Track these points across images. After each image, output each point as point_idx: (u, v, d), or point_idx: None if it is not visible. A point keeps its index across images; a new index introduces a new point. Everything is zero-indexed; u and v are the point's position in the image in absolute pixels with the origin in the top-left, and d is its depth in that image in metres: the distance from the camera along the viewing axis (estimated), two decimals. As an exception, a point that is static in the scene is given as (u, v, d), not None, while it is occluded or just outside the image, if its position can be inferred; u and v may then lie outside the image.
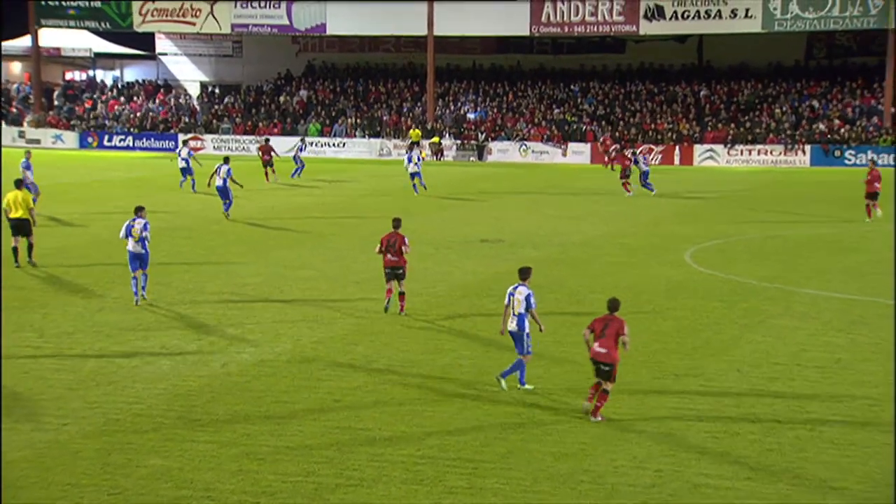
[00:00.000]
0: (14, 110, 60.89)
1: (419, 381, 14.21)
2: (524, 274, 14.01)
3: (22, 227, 21.80)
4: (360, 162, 51.89)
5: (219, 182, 29.84)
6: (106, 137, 57.70)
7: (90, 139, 58.01)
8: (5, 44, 62.91)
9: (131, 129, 58.42)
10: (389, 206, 33.49)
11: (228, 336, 16.53)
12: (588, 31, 54.46)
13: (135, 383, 13.92)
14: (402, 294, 17.88)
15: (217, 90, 63.22)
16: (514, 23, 54.47)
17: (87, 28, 61.36)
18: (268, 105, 60.02)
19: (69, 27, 60.76)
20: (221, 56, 64.37)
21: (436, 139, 52.99)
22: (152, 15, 58.65)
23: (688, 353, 15.63)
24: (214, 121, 58.61)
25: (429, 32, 55.20)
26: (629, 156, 38.56)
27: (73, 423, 12.29)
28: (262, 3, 57.05)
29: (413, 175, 36.82)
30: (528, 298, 13.70)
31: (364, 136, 56.00)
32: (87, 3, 59.08)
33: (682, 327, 17.16)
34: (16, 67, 66.03)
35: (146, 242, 18.60)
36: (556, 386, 13.92)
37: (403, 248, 18.04)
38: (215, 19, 57.71)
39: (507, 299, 13.85)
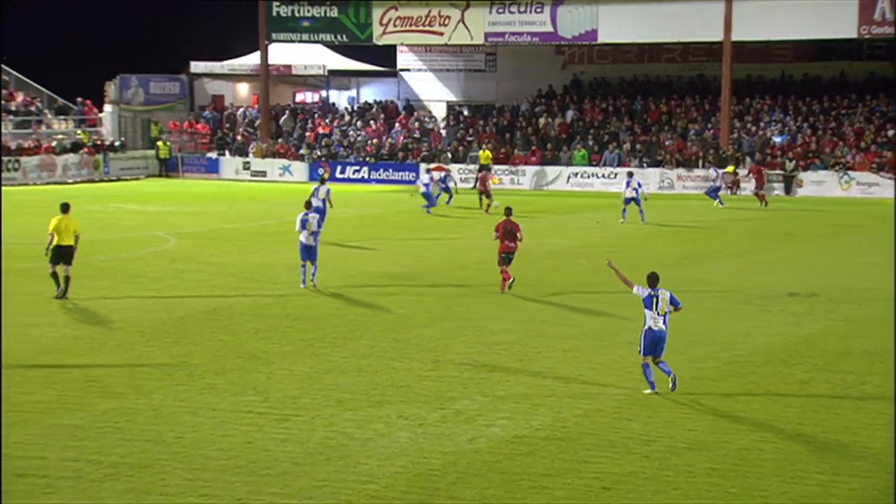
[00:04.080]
0: (240, 138, 64.86)
1: (709, 468, 13.90)
2: (656, 279, 17.28)
3: (65, 255, 24.38)
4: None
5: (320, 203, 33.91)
6: (338, 168, 60.21)
7: (321, 170, 60.60)
8: (232, 62, 67.71)
9: (367, 159, 60.79)
10: (666, 248, 33.11)
11: (476, 405, 16.82)
12: (936, 29, 51.82)
13: (368, 459, 14.41)
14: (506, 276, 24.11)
15: (466, 111, 64.94)
16: (837, 23, 52.42)
17: (322, 42, 64.64)
18: (524, 128, 61.03)
19: (301, 41, 64.18)
20: (472, 71, 66.00)
21: (730, 168, 51.99)
22: (394, 24, 60.81)
23: None
24: (461, 147, 60.09)
25: (725, 38, 54.28)
26: None
27: None
28: (522, 8, 57.97)
29: (630, 200, 38.95)
30: (672, 298, 17.22)
31: (641, 165, 55.75)
32: (322, 13, 62.01)
33: None
34: (242, 89, 70.59)
35: (317, 236, 25.23)
36: None
37: (518, 234, 25.21)
38: (466, 28, 59.18)
39: (643, 299, 17.16)
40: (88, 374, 18.44)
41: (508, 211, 26.20)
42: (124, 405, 16.59)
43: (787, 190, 52.66)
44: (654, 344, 17.17)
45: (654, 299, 17.09)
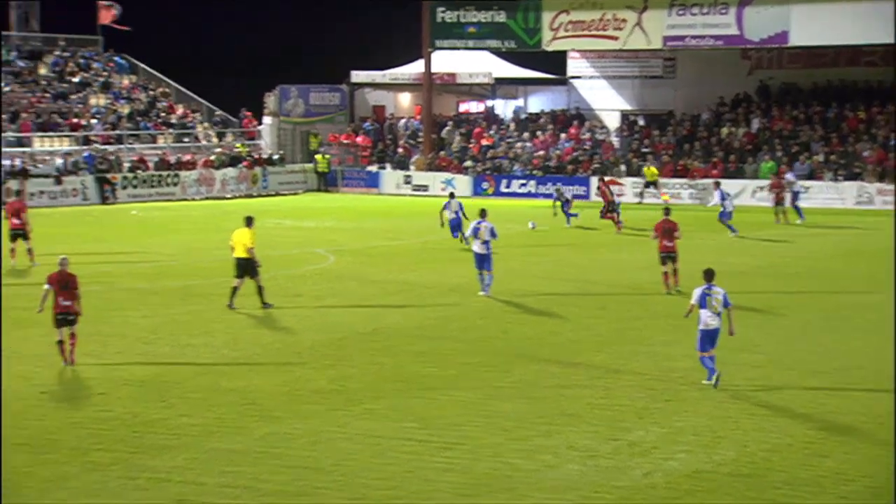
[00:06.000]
0: (401, 150, 65.65)
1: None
2: (712, 275, 19.16)
3: (247, 268, 26.05)
4: (829, 212, 50.33)
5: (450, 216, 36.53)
6: (503, 182, 60.37)
7: (485, 184, 60.97)
8: (394, 71, 68.67)
9: (533, 172, 60.77)
10: (865, 272, 32.17)
11: (653, 436, 16.66)
12: None
13: (536, 492, 14.39)
14: (675, 271, 25.64)
15: (641, 120, 64.40)
16: None
17: (488, 48, 65.00)
18: (705, 138, 60.19)
19: (466, 48, 64.68)
20: (648, 78, 65.31)
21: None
22: (566, 29, 60.71)
23: None
24: (636, 159, 59.64)
25: (934, 38, 52.38)
26: None
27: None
28: (705, 9, 57.11)
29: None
30: (725, 297, 19.01)
31: (835, 178, 54.30)
32: (489, 19, 62.40)
33: None
34: (404, 99, 71.46)
35: (489, 245, 27.42)
36: None
37: (676, 233, 27.54)
38: (643, 31, 58.65)
39: (697, 301, 19.02)
40: (246, 396, 18.94)
41: (667, 211, 29.21)
42: (282, 430, 16.98)
43: None
44: (710, 340, 19.09)
45: (708, 298, 18.98)
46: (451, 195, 39.26)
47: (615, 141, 62.67)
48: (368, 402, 18.53)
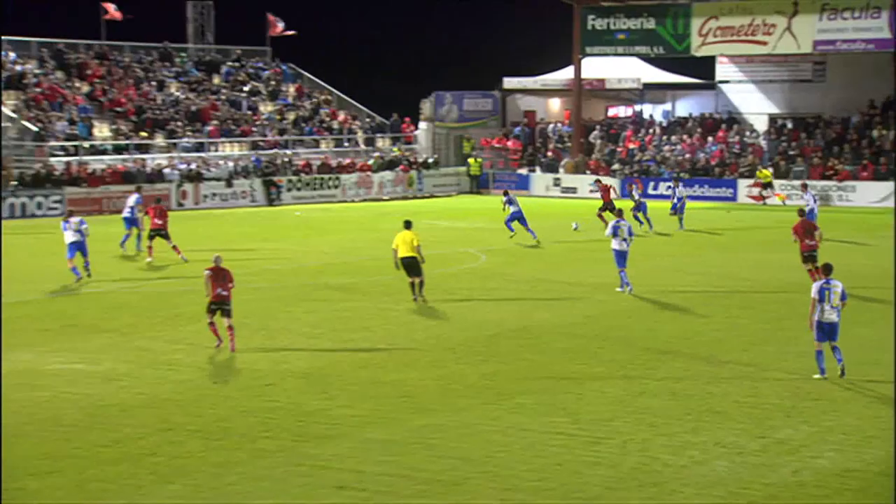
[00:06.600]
0: (550, 154, 65.60)
1: None
2: (830, 269, 19.32)
3: (413, 265, 26.74)
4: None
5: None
6: (651, 184, 59.65)
7: (633, 186, 60.26)
8: (545, 77, 68.60)
9: (680, 174, 60.00)
10: None
11: (801, 435, 16.28)
12: None
13: (684, 487, 14.18)
14: (818, 268, 23.49)
15: (790, 124, 62.97)
16: None
17: (637, 55, 64.45)
18: (855, 141, 58.52)
19: (616, 55, 64.24)
20: (797, 82, 63.77)
21: None
22: (714, 35, 59.82)
23: None
24: (783, 162, 58.35)
25: None
26: None
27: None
28: (856, 13, 55.59)
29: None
30: (843, 291, 19.07)
31: None
32: (639, 26, 61.85)
33: None
34: (554, 104, 71.36)
35: (628, 243, 28.12)
36: None
37: (817, 232, 28.47)
38: (793, 36, 57.38)
39: (817, 294, 18.95)
40: (402, 389, 19.10)
41: (801, 212, 30.50)
42: (436, 422, 17.07)
43: None
44: (829, 333, 19.15)
45: (827, 292, 19.03)
46: (506, 192, 41.30)
47: (763, 144, 61.45)
48: (519, 397, 18.51)
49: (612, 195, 43.31)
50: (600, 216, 41.58)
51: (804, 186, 43.13)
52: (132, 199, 36.67)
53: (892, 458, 11.84)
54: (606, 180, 51.23)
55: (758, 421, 17.01)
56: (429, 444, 15.91)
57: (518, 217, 39.64)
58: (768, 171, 56.23)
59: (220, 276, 21.92)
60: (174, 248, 34.05)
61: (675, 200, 44.13)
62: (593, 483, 14.34)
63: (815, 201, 40.03)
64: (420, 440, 16.11)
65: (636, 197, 43.91)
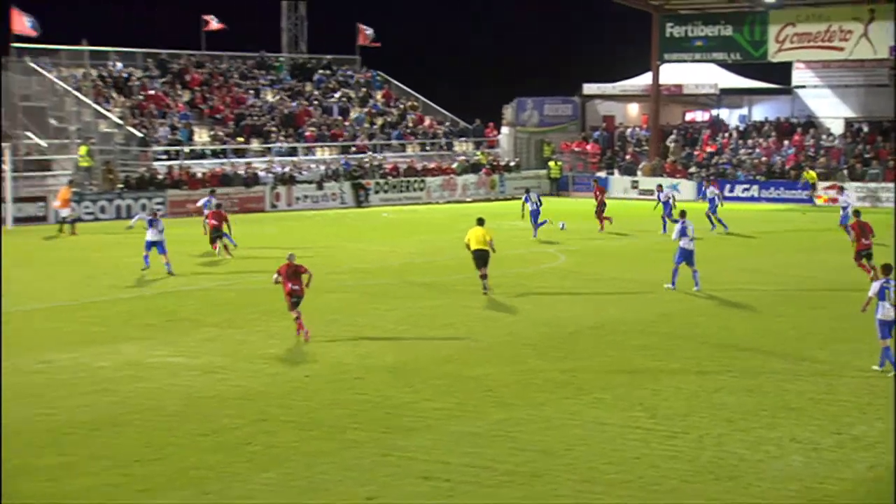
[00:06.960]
0: (628, 157, 65.27)
1: None
2: (890, 269, 19.45)
3: (483, 258, 27.79)
4: None
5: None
6: (727, 187, 58.99)
7: (710, 189, 59.63)
8: (624, 83, 68.19)
9: (756, 177, 59.35)
10: None
11: (876, 431, 16.06)
12: None
13: (760, 481, 14.03)
14: (873, 266, 24.51)
15: (865, 128, 61.84)
16: None
17: (714, 61, 63.81)
18: (929, 144, 57.29)
19: (693, 61, 63.67)
20: (873, 86, 62.60)
21: None
22: (791, 41, 58.98)
23: None
24: (859, 165, 57.32)
25: None
26: None
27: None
28: (933, 20, 54.37)
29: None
30: None
31: None
32: (716, 33, 61.23)
33: None
34: (632, 109, 70.96)
35: (693, 242, 28.07)
36: None
37: (871, 233, 29.64)
38: (869, 42, 56.35)
39: (876, 293, 19.26)
40: (484, 383, 19.14)
41: (857, 214, 31.98)
42: (517, 416, 17.07)
43: None
44: (889, 330, 19.23)
45: (887, 290, 19.25)
46: (528, 190, 43.29)
47: (840, 147, 60.41)
48: (597, 392, 18.45)
49: (672, 197, 43.91)
50: (598, 217, 42.89)
51: (840, 189, 43.39)
52: (202, 202, 39.51)
53: (893, 457, 11.55)
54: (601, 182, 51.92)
55: (833, 417, 16.78)
56: (510, 437, 15.93)
57: (534, 214, 40.75)
58: (814, 173, 56.14)
59: (292, 272, 22.54)
60: (224, 246, 35.35)
61: (708, 202, 43.63)
62: (670, 476, 14.25)
63: (848, 205, 40.00)
64: (502, 433, 16.13)
65: (717, 197, 43.45)
